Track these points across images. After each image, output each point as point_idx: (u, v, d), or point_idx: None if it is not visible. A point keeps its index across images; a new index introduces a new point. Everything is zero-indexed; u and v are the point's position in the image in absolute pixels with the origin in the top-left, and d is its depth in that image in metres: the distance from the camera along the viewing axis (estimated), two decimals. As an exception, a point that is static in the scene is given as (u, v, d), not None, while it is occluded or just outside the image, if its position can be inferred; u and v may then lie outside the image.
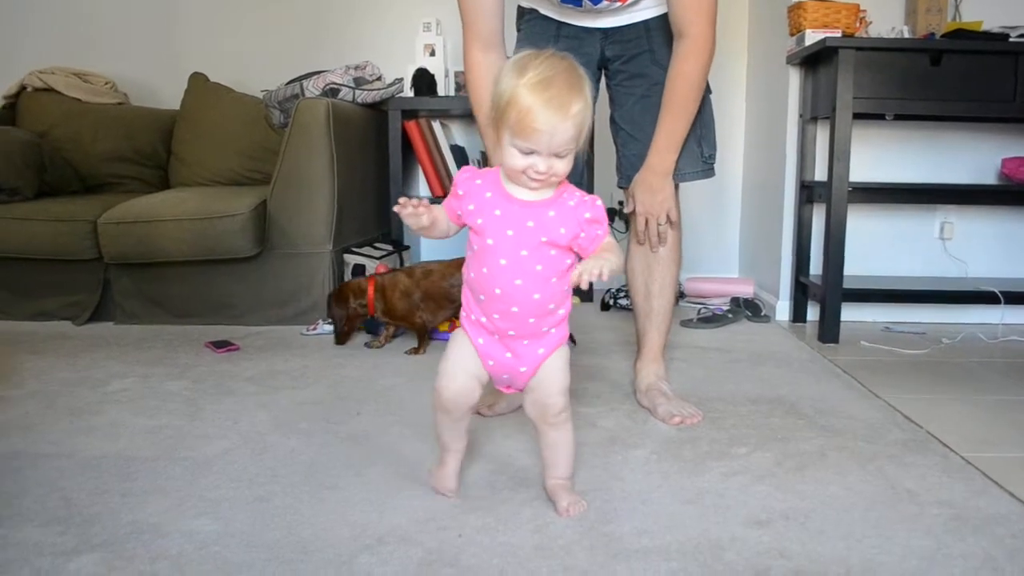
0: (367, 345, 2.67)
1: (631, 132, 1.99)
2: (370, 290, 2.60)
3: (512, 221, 1.31)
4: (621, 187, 2.05)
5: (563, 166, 1.27)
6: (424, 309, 2.61)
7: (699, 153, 1.96)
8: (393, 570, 1.21)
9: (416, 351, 2.59)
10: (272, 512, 1.42)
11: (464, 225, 1.39)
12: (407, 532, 1.34)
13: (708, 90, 1.93)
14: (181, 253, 2.89)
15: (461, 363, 1.40)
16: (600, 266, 1.21)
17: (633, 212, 1.99)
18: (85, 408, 2.00)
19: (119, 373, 2.32)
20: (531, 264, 1.31)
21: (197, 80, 3.63)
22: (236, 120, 3.53)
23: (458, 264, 2.66)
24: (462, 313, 1.42)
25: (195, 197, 3.06)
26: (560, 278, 1.33)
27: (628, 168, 2.01)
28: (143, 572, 1.21)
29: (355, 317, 2.65)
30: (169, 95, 3.75)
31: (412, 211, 1.34)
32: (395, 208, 1.36)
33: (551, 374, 1.39)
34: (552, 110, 1.21)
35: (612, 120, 2.04)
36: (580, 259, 1.33)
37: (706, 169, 1.99)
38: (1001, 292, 2.87)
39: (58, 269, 3.00)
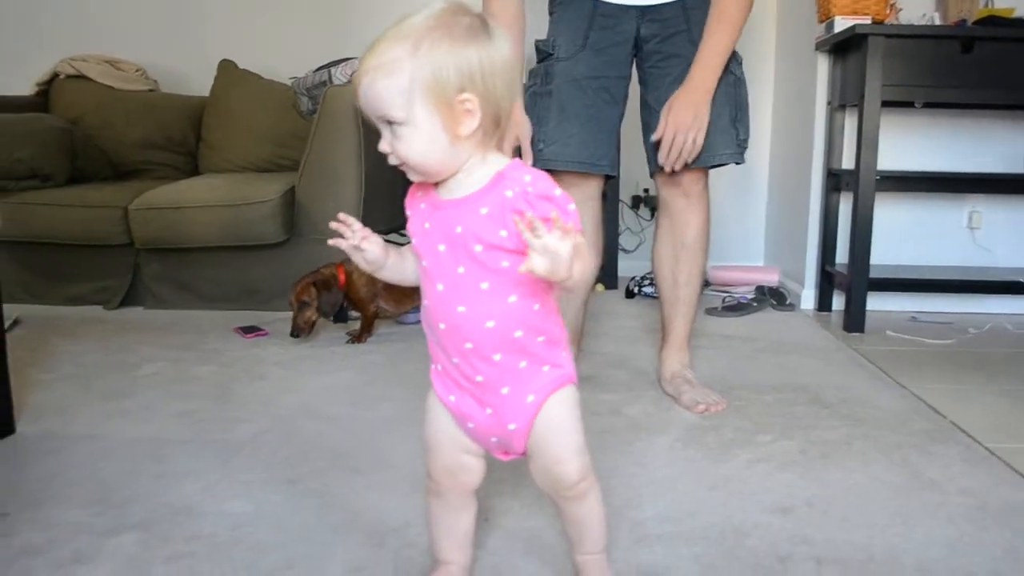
0: (349, 338, 2.61)
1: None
2: (341, 277, 2.56)
3: (441, 231, 0.99)
4: (652, 172, 2.02)
5: (403, 144, 0.94)
6: (386, 299, 2.60)
7: (735, 135, 1.92)
8: (419, 552, 1.23)
9: (357, 339, 2.57)
10: (303, 494, 1.45)
11: None
12: (434, 515, 1.36)
13: (742, 75, 1.93)
14: (210, 239, 2.93)
15: (443, 430, 1.09)
16: (532, 264, 0.87)
17: (658, 143, 1.89)
18: (118, 391, 2.05)
19: (150, 357, 2.36)
20: (472, 283, 0.98)
21: (226, 67, 3.66)
22: (264, 107, 3.56)
23: None
24: (430, 366, 1.09)
25: (224, 183, 3.10)
26: (524, 295, 0.98)
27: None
28: (179, 552, 1.25)
29: (332, 308, 2.56)
30: (198, 82, 3.78)
31: (346, 242, 1.05)
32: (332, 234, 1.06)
33: (553, 431, 1.03)
34: (364, 60, 0.93)
35: (644, 103, 1.97)
36: None
37: (739, 152, 1.94)
38: (1030, 282, 2.84)
39: (90, 254, 3.05)
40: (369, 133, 2.98)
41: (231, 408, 1.93)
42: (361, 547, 1.26)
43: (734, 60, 1.90)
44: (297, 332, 2.49)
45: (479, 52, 0.92)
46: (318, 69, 3.31)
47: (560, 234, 0.86)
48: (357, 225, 1.05)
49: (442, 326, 1.01)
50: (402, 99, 0.91)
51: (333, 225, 1.05)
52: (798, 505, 1.42)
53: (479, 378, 1.02)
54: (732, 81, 1.89)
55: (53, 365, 2.28)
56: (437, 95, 0.91)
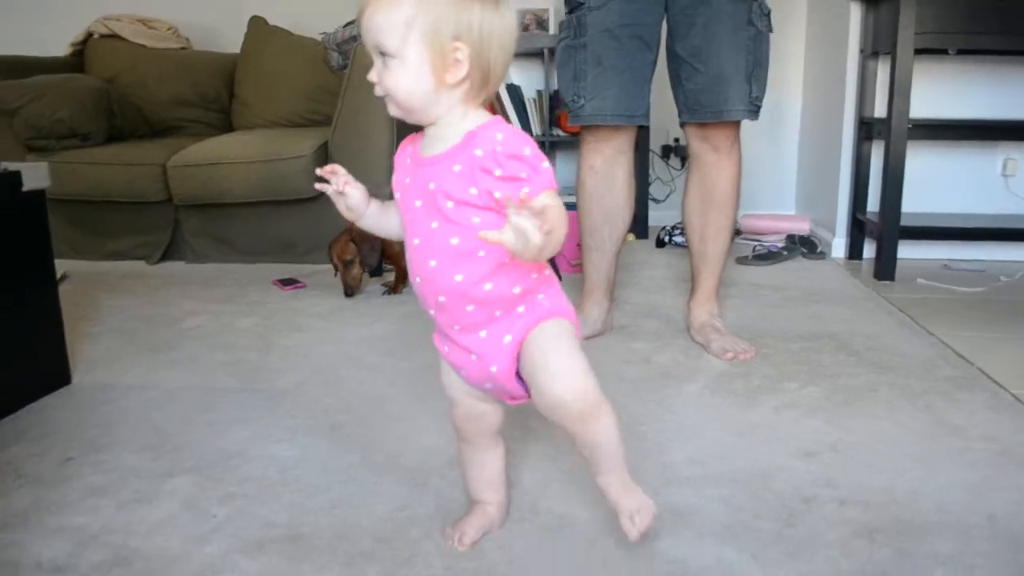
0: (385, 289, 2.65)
1: (694, 64, 1.91)
2: None
3: (418, 188, 1.02)
4: (683, 123, 2.02)
5: (391, 77, 0.95)
6: None
7: (748, 91, 1.91)
8: (460, 491, 1.29)
9: (393, 290, 2.62)
10: (346, 439, 1.52)
11: None
12: (472, 459, 1.42)
13: (769, 28, 1.91)
14: (247, 194, 2.99)
15: (453, 382, 1.15)
16: (502, 237, 0.87)
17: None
18: (164, 344, 2.13)
19: (193, 310, 2.44)
20: (443, 238, 0.99)
21: (256, 23, 3.69)
22: (295, 63, 3.59)
23: None
24: None
25: (259, 140, 3.15)
26: (493, 251, 0.97)
27: (692, 102, 1.95)
28: (232, 493, 1.32)
29: (371, 257, 2.59)
30: (229, 39, 3.82)
31: (330, 187, 1.10)
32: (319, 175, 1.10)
33: (539, 361, 1.03)
34: None
35: (672, 53, 1.96)
36: None
37: (750, 110, 1.94)
38: (1063, 229, 2.83)
39: (130, 211, 3.13)
40: (400, 88, 3.00)
41: (273, 359, 2.00)
42: (404, 487, 1.33)
43: (758, 13, 1.88)
44: (350, 291, 2.57)
45: (482, 12, 0.95)
46: (347, 24, 3.33)
47: (538, 222, 0.86)
48: (341, 171, 1.09)
49: (418, 279, 1.05)
50: (398, 33, 0.93)
51: (319, 171, 1.09)
52: (822, 450, 1.47)
53: (456, 327, 1.06)
54: (753, 35, 1.88)
55: (101, 319, 2.36)
56: (431, 37, 0.94)
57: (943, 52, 2.92)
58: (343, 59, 3.35)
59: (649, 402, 1.69)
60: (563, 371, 1.03)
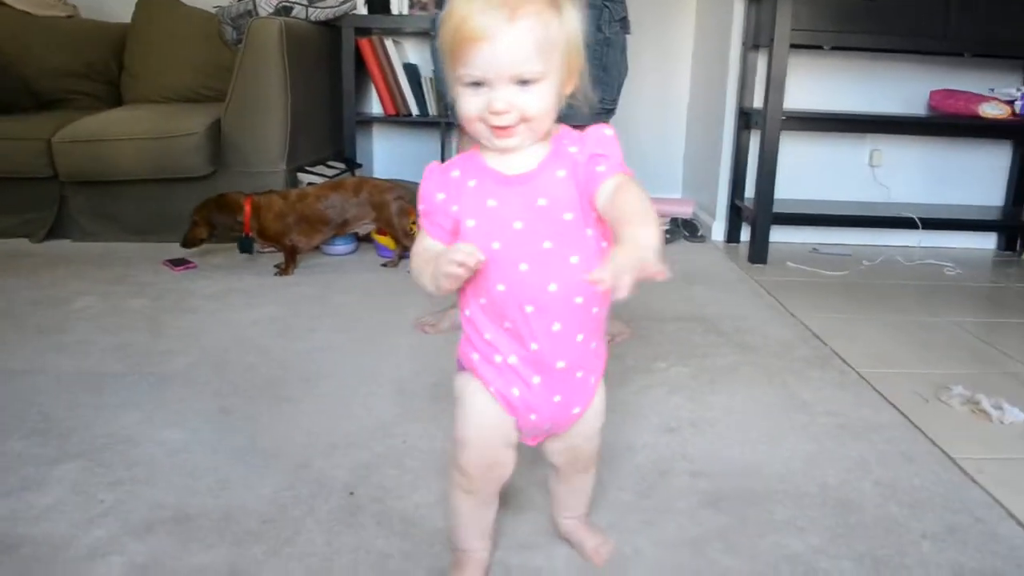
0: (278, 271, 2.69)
1: None
2: (247, 208, 2.65)
3: (517, 207, 0.94)
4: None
5: (535, 99, 0.90)
6: (297, 231, 2.68)
7: (594, 97, 1.95)
8: (344, 472, 1.37)
9: (284, 271, 2.67)
10: (234, 422, 1.57)
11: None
12: (357, 438, 1.50)
13: (623, 31, 1.94)
14: (136, 172, 2.96)
15: (488, 425, 1.02)
16: (611, 270, 0.78)
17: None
18: (52, 326, 2.12)
19: (81, 291, 2.42)
20: (561, 257, 0.94)
21: (147, -7, 3.61)
22: (189, 35, 3.53)
23: (332, 186, 2.76)
24: (470, 354, 1.02)
25: (149, 115, 3.11)
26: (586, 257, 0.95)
27: None
28: (122, 478, 1.36)
29: (225, 230, 2.69)
30: (118, 8, 3.72)
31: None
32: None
33: (592, 409, 1.07)
34: (493, 9, 0.87)
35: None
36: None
37: (597, 112, 1.91)
38: (919, 218, 3.07)
39: (12, 187, 3.04)
40: (295, 65, 3.01)
41: (164, 341, 2.02)
42: (289, 469, 1.39)
43: (608, 19, 1.91)
44: (185, 243, 2.69)
45: (574, 11, 0.93)
46: (242, -1, 3.30)
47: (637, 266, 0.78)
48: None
49: (529, 309, 0.95)
50: (544, 55, 0.89)
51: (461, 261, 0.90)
52: (683, 426, 1.60)
53: (560, 364, 0.99)
54: (601, 41, 1.91)
55: (-16, 299, 2.32)
56: (570, 50, 0.92)
57: (818, 48, 3.10)
58: (237, 34, 3.33)
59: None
60: (600, 408, 1.08)
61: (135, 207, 3.06)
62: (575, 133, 0.97)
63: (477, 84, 0.90)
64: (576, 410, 1.04)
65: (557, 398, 1.01)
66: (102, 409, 1.62)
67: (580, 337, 0.99)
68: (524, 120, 0.91)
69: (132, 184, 3.00)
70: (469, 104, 0.91)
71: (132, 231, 3.07)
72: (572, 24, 0.92)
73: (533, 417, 1.02)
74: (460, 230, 0.97)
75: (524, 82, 0.89)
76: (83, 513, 1.25)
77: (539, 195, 0.94)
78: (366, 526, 1.23)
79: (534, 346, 0.97)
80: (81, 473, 1.37)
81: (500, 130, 0.91)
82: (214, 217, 2.66)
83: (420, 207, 1.01)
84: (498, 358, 1.00)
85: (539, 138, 0.95)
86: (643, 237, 0.81)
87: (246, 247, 2.76)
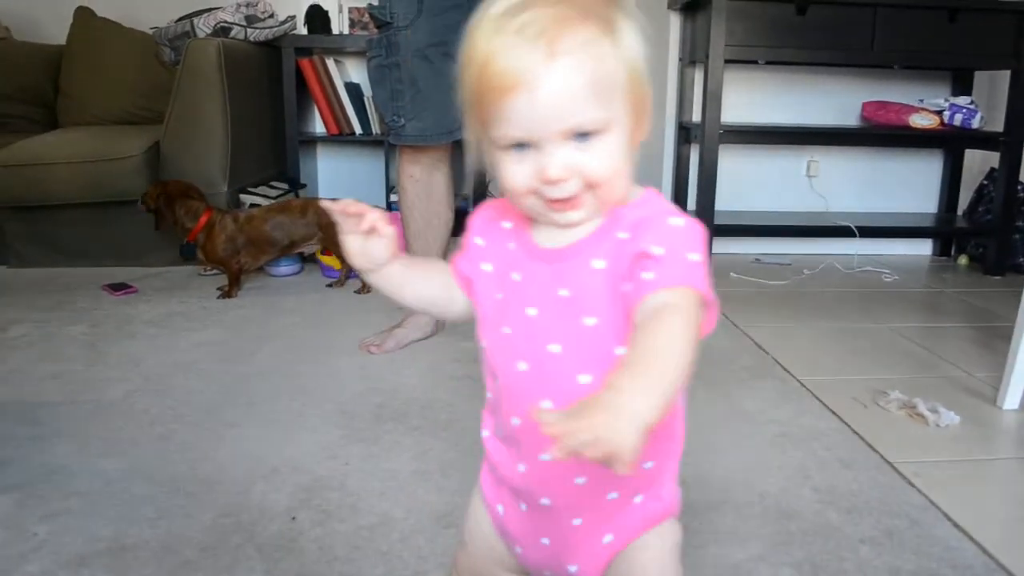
0: (221, 294, 2.66)
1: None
2: (202, 220, 2.61)
3: (536, 291, 0.75)
4: None
5: (600, 157, 0.68)
6: (246, 254, 2.66)
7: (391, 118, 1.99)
8: (285, 496, 1.36)
9: (227, 294, 2.64)
10: (174, 449, 1.55)
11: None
12: (299, 462, 1.49)
13: (393, 59, 1.95)
14: (74, 196, 2.91)
15: (481, 535, 0.88)
16: (577, 431, 0.55)
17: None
18: (-15, 355, 2.07)
19: (17, 319, 2.36)
20: (568, 371, 0.73)
21: (83, 14, 3.55)
22: (126, 57, 3.48)
23: (279, 207, 2.74)
24: (484, 453, 0.85)
25: (87, 138, 3.06)
26: None
27: None
28: (56, 510, 1.33)
29: (173, 226, 2.65)
30: (53, 29, 3.65)
31: (348, 220, 0.79)
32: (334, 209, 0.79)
33: None
34: (526, 43, 0.64)
35: None
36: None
37: (391, 134, 2.03)
38: (856, 226, 3.14)
39: (-55, 212, 2.97)
40: (235, 86, 2.99)
41: (102, 368, 1.98)
42: (229, 495, 1.37)
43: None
44: (141, 199, 2.68)
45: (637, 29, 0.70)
46: (180, 19, 3.26)
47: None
48: (370, 209, 0.79)
49: (516, 421, 0.76)
50: (603, 93, 0.67)
51: (336, 208, 0.79)
52: (627, 439, 1.61)
53: (544, 500, 0.78)
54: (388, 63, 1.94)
55: (-87, 330, 2.26)
56: (635, 82, 0.69)
57: (753, 63, 3.17)
58: (175, 55, 3.28)
59: (474, 399, 1.79)
60: None
61: (73, 231, 3.00)
62: (641, 211, 0.72)
63: (521, 146, 0.68)
64: (573, 568, 0.80)
65: (545, 540, 0.81)
66: (37, 440, 1.58)
67: (581, 480, 0.76)
68: (590, 186, 0.69)
69: (70, 208, 2.95)
70: (515, 174, 0.69)
71: (71, 256, 3.01)
72: (632, 49, 0.69)
73: (518, 550, 0.84)
74: (482, 299, 0.80)
75: (582, 135, 0.67)
76: (15, 548, 1.22)
77: (564, 283, 0.73)
78: (307, 551, 1.21)
79: (521, 467, 0.78)
80: (14, 507, 1.34)
81: (560, 203, 0.70)
82: (170, 207, 2.62)
83: (467, 232, 0.83)
84: (489, 465, 0.85)
85: (612, 206, 0.72)
86: (631, 403, 0.57)
87: (188, 253, 2.72)
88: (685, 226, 0.69)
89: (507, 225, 0.79)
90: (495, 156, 0.71)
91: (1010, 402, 1.81)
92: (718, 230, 3.05)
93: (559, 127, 0.66)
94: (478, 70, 0.67)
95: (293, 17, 3.44)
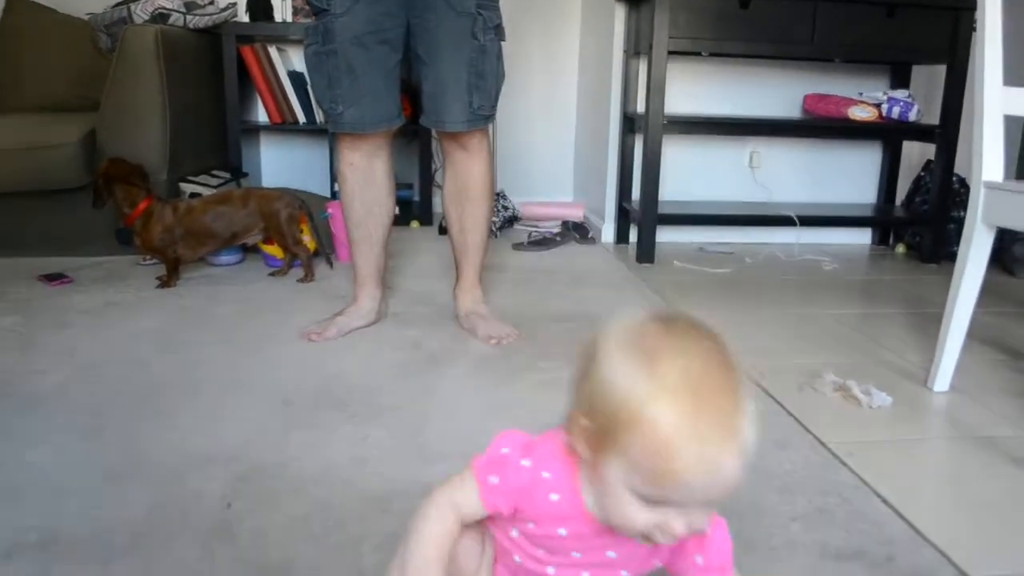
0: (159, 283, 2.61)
1: (424, 69, 1.97)
2: (140, 207, 2.56)
3: (583, 544, 0.82)
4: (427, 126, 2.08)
5: (707, 517, 0.75)
6: (184, 245, 2.62)
7: (468, 103, 1.96)
8: (220, 485, 1.34)
9: (166, 284, 2.59)
10: (107, 439, 1.51)
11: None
12: (236, 451, 1.47)
13: (497, 39, 1.96)
14: (6, 185, 2.82)
15: None
16: None
17: None
18: (-90, 346, 2.00)
19: (-55, 310, 2.30)
20: None
21: (15, -1, 3.46)
22: (60, 43, 3.40)
23: (219, 198, 2.70)
24: None
25: (19, 125, 2.98)
26: None
27: (426, 105, 2.01)
28: (-20, 501, 1.29)
29: (111, 205, 2.60)
30: (-16, 14, 3.55)
31: None
32: None
33: None
34: (712, 445, 0.67)
35: (413, 53, 1.99)
36: None
37: (470, 120, 1.99)
38: (798, 216, 3.19)
39: None
40: (172, 73, 2.93)
41: (35, 359, 1.93)
42: (165, 483, 1.35)
43: (483, 26, 1.92)
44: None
45: None
46: (116, 5, 3.19)
47: None
48: None
49: None
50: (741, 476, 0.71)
51: None
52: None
53: None
54: (476, 48, 1.92)
55: None
56: None
57: (696, 54, 3.20)
58: (112, 41, 3.21)
59: (413, 386, 1.79)
60: None
61: (6, 221, 2.92)
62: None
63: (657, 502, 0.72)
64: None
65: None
66: (-38, 432, 1.54)
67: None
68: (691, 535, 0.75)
69: (3, 198, 2.86)
70: (637, 516, 0.72)
71: (5, 246, 2.93)
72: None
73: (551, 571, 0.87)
74: (516, 536, 0.85)
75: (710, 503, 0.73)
76: (-63, 541, 1.19)
77: (611, 546, 0.80)
78: (242, 537, 1.20)
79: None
80: (-64, 499, 1.30)
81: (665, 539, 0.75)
82: (109, 188, 2.56)
83: (492, 477, 0.84)
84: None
85: None
86: None
87: (124, 238, 2.67)
88: (727, 544, 0.86)
89: (546, 475, 0.81)
90: (618, 490, 0.72)
91: (940, 384, 1.86)
92: (663, 219, 3.08)
93: (707, 500, 0.71)
94: (655, 447, 0.68)
95: (234, 4, 3.39)
